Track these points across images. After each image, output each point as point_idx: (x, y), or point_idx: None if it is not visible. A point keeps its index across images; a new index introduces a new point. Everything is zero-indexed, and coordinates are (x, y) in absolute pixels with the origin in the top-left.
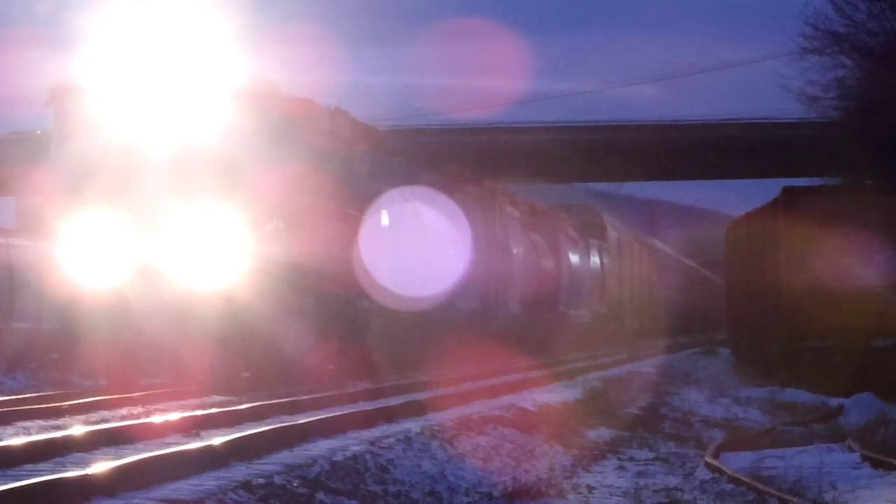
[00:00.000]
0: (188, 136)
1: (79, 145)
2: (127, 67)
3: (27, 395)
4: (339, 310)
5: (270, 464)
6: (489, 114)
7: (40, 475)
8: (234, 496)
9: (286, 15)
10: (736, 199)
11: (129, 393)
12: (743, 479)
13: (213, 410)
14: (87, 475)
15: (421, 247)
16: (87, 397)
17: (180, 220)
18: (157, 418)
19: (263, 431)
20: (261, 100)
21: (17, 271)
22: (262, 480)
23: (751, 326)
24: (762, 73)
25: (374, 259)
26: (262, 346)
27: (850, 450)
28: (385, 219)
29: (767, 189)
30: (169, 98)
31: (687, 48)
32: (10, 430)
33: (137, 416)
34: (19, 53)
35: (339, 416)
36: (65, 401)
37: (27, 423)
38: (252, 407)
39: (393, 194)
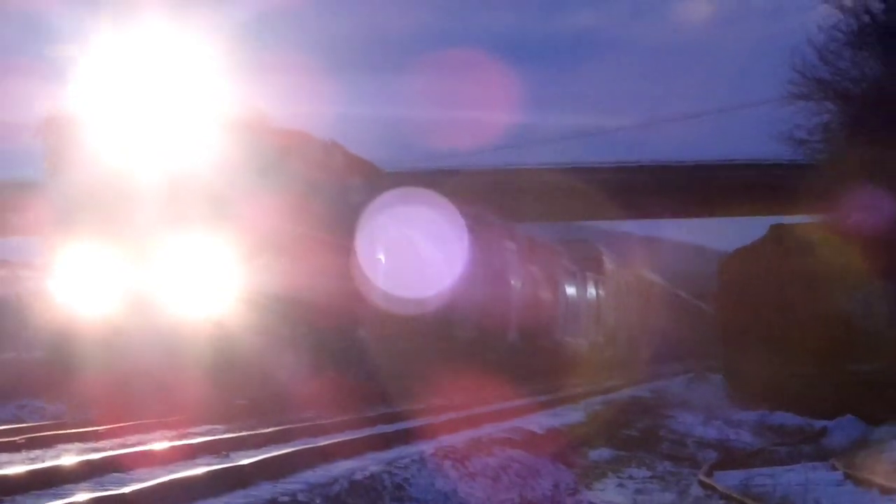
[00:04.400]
0: (180, 166)
1: (69, 176)
2: (117, 98)
3: (65, 421)
4: (333, 339)
5: (294, 483)
6: (479, 146)
7: (82, 492)
8: None
9: (273, 45)
10: (727, 235)
11: (122, 423)
12: (734, 496)
13: (243, 433)
14: (123, 494)
15: (416, 277)
16: (124, 422)
17: (173, 250)
18: (188, 441)
19: (288, 453)
20: (253, 131)
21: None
22: (286, 498)
23: (742, 354)
24: (753, 117)
25: (369, 289)
26: (256, 375)
27: (834, 469)
28: (379, 250)
29: (756, 227)
30: (160, 129)
31: (680, 92)
32: (52, 451)
33: (172, 439)
34: (8, 84)
35: (359, 438)
36: (100, 426)
37: (68, 446)
38: (275, 431)
39: (388, 225)
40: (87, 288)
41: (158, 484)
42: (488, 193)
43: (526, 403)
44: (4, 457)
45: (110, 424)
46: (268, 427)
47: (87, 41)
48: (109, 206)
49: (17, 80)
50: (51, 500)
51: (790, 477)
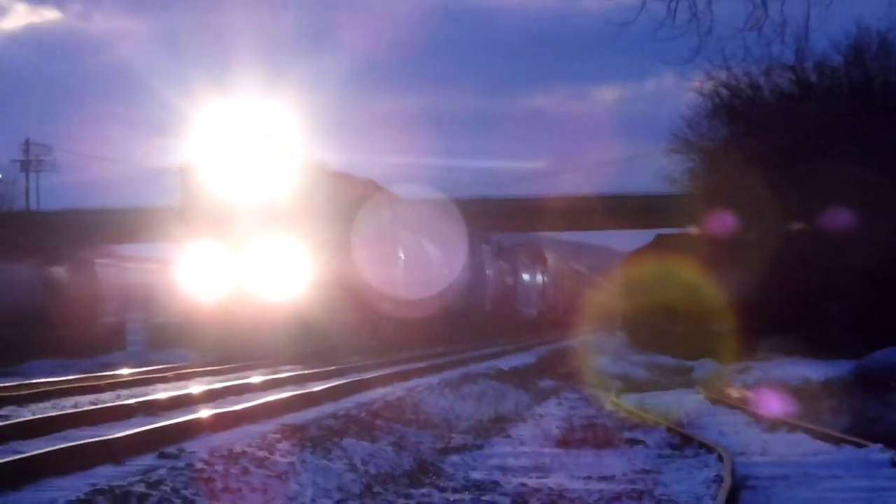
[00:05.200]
0: (270, 196)
1: (198, 203)
2: (227, 146)
3: (197, 363)
4: (369, 309)
5: (352, 401)
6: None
7: (208, 409)
8: (327, 422)
9: (375, 97)
10: (628, 241)
11: (233, 364)
12: (633, 410)
13: (314, 371)
14: (235, 410)
15: (425, 268)
16: (238, 363)
17: (264, 251)
18: (279, 375)
19: (343, 382)
20: (315, 173)
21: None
22: (343, 412)
23: (637, 318)
24: (646, 163)
25: (393, 277)
26: (320, 333)
27: (698, 392)
28: (399, 250)
29: (647, 236)
30: (258, 171)
31: (599, 147)
32: (191, 383)
33: (267, 375)
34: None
35: (389, 372)
36: (219, 366)
37: (200, 379)
38: (336, 370)
39: (406, 234)
40: (207, 276)
41: (259, 403)
42: (490, 213)
43: (497, 351)
44: (160, 386)
45: (226, 365)
46: (329, 367)
47: (201, 98)
48: (222, 222)
49: (145, 131)
50: (188, 415)
51: (669, 398)
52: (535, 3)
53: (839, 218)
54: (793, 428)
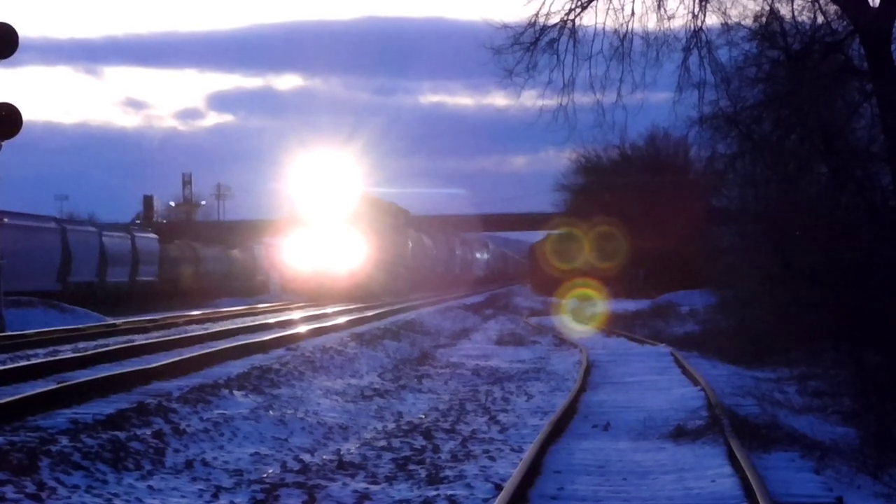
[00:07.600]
0: (339, 210)
1: (299, 214)
2: (319, 183)
3: (290, 302)
4: (390, 272)
5: (388, 321)
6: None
7: (305, 327)
8: (374, 331)
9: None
10: (533, 237)
11: (316, 301)
12: (535, 326)
13: (365, 304)
14: (323, 326)
15: (423, 253)
16: (319, 300)
17: (336, 241)
18: (348, 306)
19: (383, 311)
20: (365, 198)
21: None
22: (383, 326)
23: (537, 278)
24: (544, 195)
25: (405, 256)
26: (365, 287)
27: (568, 316)
28: (409, 243)
29: (541, 234)
30: (334, 196)
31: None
32: (300, 311)
33: (335, 307)
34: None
35: (406, 306)
36: (309, 301)
37: (305, 309)
38: (377, 305)
39: (413, 235)
40: (307, 254)
41: (336, 322)
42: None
43: (462, 294)
44: (285, 312)
45: (317, 303)
46: (373, 303)
47: (303, 157)
48: (312, 225)
49: (274, 176)
50: (300, 328)
51: (553, 319)
52: (485, 112)
53: (640, 226)
54: (618, 335)
